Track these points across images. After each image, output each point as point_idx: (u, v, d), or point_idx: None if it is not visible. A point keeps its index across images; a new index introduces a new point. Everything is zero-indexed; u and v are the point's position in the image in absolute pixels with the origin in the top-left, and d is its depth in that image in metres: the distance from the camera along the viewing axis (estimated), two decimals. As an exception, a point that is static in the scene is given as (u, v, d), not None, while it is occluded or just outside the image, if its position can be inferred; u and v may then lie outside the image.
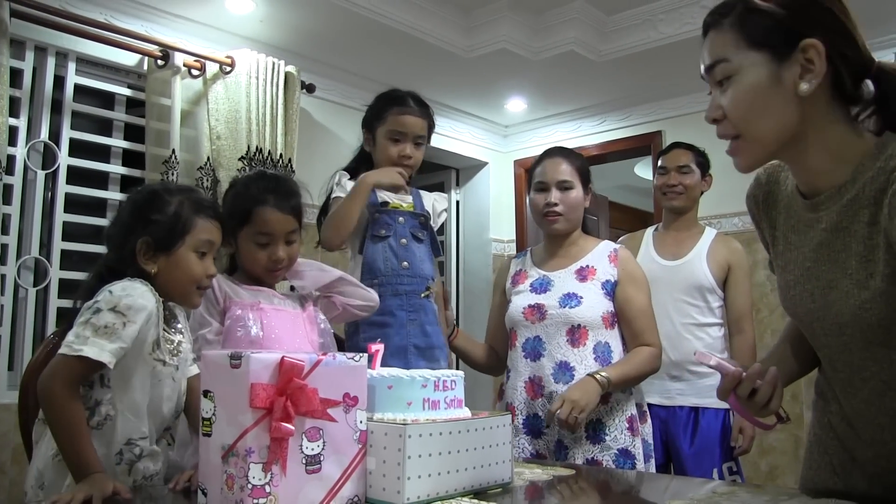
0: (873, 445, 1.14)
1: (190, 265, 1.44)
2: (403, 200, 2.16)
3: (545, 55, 3.63)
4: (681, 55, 3.55)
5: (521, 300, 2.07)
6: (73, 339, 1.30)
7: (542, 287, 2.05)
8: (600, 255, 2.07)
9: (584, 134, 4.46)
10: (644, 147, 4.32)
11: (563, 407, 1.81)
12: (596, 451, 1.91)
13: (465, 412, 1.29)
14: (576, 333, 1.97)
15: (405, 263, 2.08)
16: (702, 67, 1.11)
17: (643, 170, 5.94)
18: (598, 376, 1.87)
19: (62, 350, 1.29)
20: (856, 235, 1.04)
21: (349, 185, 2.07)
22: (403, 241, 2.10)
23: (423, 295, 2.11)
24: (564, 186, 2.05)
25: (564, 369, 1.94)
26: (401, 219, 2.12)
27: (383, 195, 2.13)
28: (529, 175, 2.16)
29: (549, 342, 1.98)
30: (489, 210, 4.72)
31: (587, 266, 2.04)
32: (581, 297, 1.98)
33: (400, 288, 2.06)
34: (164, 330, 1.42)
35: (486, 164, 4.74)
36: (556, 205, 2.04)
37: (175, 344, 1.44)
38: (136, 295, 1.35)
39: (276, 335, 1.67)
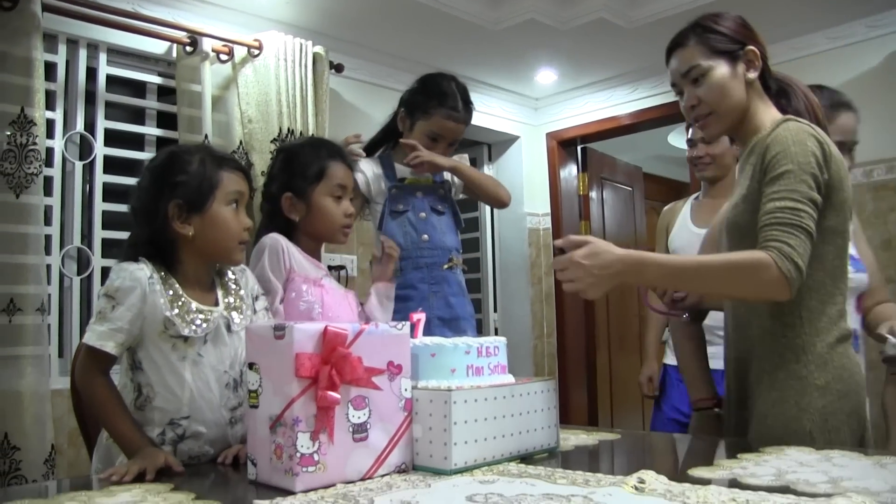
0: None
1: (227, 220, 1.43)
2: (421, 175, 2.16)
3: (574, 24, 3.56)
4: (713, 16, 3.46)
5: None
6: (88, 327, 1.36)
7: None
8: None
9: (617, 103, 4.38)
10: (678, 114, 4.16)
11: None
12: None
13: (509, 378, 1.29)
14: (859, 301, 1.85)
15: (425, 237, 2.10)
16: (671, 76, 1.58)
17: (676, 139, 5.83)
18: None
19: None
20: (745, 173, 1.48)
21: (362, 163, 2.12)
22: (423, 214, 2.13)
23: (445, 267, 2.13)
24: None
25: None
26: (419, 193, 2.15)
27: (401, 171, 2.14)
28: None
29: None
30: (523, 184, 4.67)
31: None
32: (859, 260, 1.85)
33: (421, 261, 2.09)
34: (182, 302, 1.37)
35: (517, 137, 4.69)
36: None
37: (194, 313, 1.38)
38: (124, 276, 1.34)
39: (333, 314, 1.69)
